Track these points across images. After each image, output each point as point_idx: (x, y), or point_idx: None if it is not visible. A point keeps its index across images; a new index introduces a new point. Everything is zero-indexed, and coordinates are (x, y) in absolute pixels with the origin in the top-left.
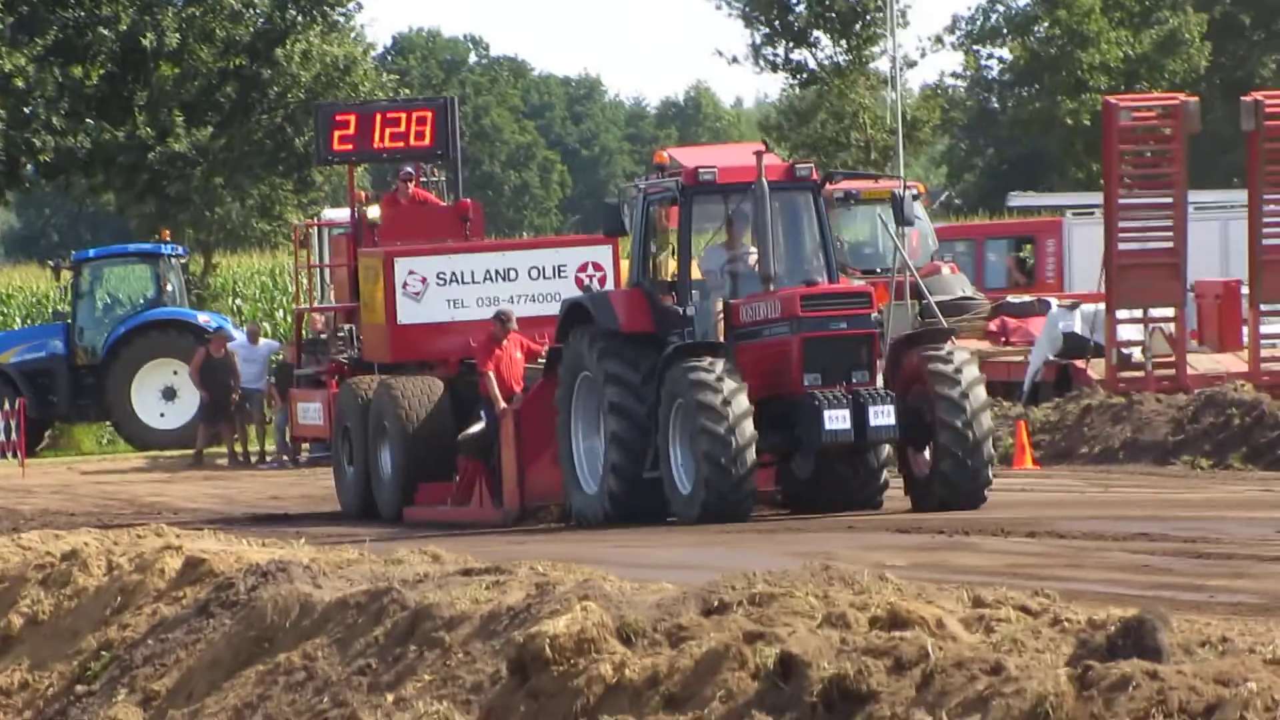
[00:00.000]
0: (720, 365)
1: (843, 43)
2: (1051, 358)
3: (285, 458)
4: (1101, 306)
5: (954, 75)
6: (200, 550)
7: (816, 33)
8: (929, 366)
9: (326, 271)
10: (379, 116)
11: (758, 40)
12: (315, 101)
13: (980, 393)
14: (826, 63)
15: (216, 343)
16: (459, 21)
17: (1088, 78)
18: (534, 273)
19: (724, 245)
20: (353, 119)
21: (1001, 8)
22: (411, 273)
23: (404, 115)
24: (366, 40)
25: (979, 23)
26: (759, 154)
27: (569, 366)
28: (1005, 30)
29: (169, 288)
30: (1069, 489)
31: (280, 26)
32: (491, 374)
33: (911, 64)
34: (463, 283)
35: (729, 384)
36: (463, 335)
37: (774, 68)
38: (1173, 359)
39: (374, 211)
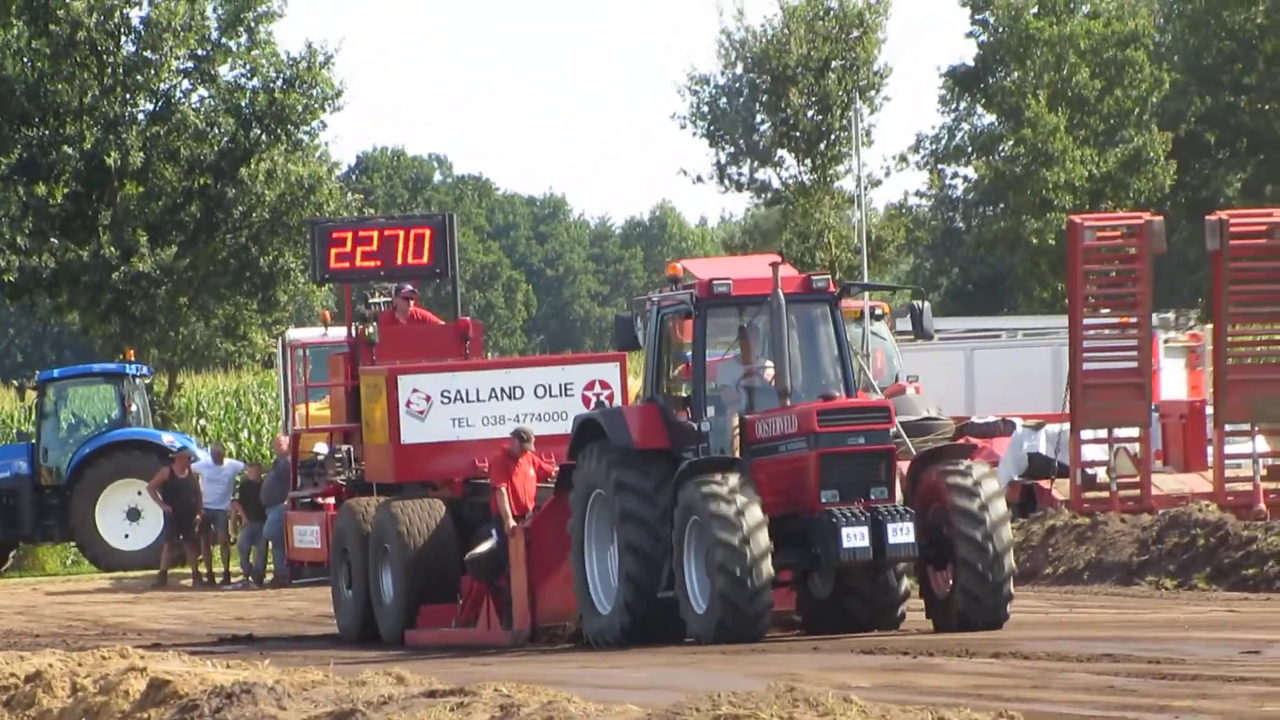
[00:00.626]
0: (735, 480)
1: (807, 162)
2: (1016, 478)
3: (249, 579)
4: (1066, 426)
5: (918, 194)
6: (164, 671)
7: (781, 152)
8: (948, 481)
9: (295, 393)
10: (377, 234)
11: (722, 159)
12: (311, 219)
13: (1000, 507)
14: (791, 182)
15: (180, 462)
16: (423, 141)
17: (1052, 197)
18: (540, 391)
19: (739, 359)
20: (350, 236)
21: (966, 127)
22: (415, 391)
23: (402, 232)
24: (331, 159)
25: (943, 142)
26: (775, 265)
27: (581, 484)
28: (969, 149)
29: (133, 408)
30: (1033, 609)
31: (244, 145)
32: (504, 491)
33: (876, 183)
34: (467, 401)
35: (743, 499)
36: (468, 455)
37: (739, 187)
38: (1137, 479)
39: (372, 330)
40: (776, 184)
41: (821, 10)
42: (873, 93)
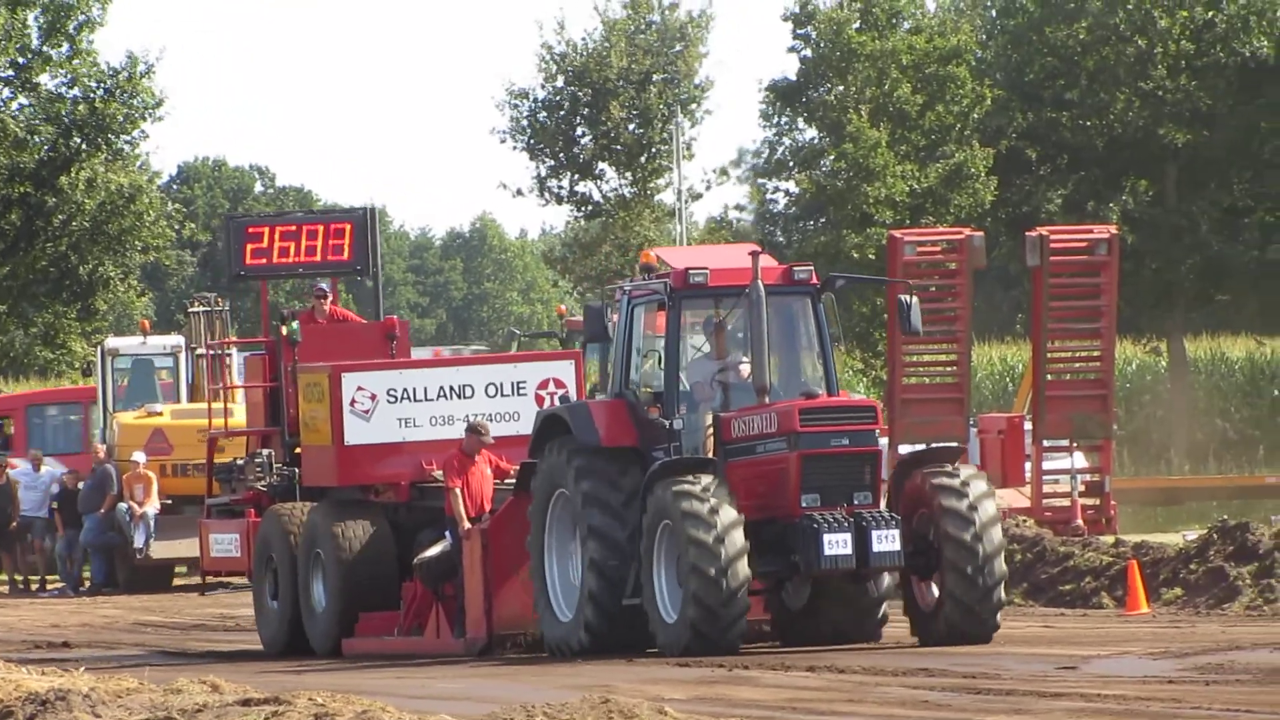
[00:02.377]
0: (710, 484)
1: (628, 175)
2: None
3: (66, 586)
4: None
5: (739, 208)
6: None
7: (602, 165)
8: (934, 483)
9: (110, 398)
10: (295, 229)
11: (543, 172)
12: (228, 213)
13: (990, 508)
14: (612, 195)
15: None
16: (245, 151)
17: (873, 212)
18: (491, 390)
19: (714, 353)
20: (267, 232)
21: (787, 141)
22: (360, 389)
23: (321, 228)
24: (152, 169)
25: (764, 156)
26: (755, 255)
27: (544, 483)
28: (791, 163)
29: None
30: None
31: (65, 154)
32: (459, 491)
33: (697, 196)
34: (415, 400)
35: (720, 504)
36: (414, 456)
37: (559, 200)
38: None
39: (294, 328)
40: (597, 197)
41: (643, 24)
42: (694, 106)
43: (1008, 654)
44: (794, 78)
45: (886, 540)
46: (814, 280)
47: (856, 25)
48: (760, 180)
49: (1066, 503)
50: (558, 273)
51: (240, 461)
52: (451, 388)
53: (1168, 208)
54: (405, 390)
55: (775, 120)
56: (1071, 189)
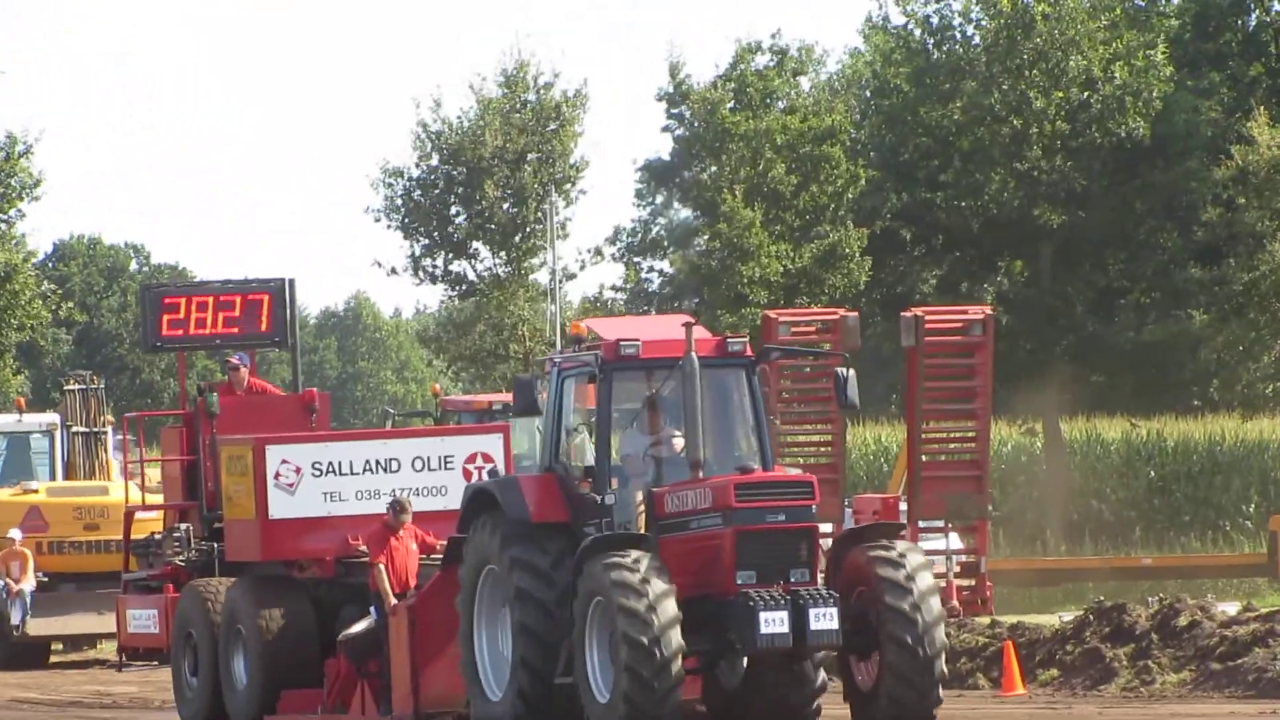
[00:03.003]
0: (645, 562)
1: (502, 254)
2: None
3: None
4: None
5: (614, 288)
6: None
7: (476, 244)
8: (877, 571)
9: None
10: (211, 300)
11: (417, 251)
12: (144, 283)
13: (927, 579)
14: (486, 274)
15: None
16: (120, 229)
17: (747, 291)
18: (418, 464)
19: (647, 427)
20: (183, 302)
21: (662, 220)
22: (284, 462)
23: (239, 299)
24: (27, 248)
25: (639, 235)
26: (688, 326)
27: (472, 559)
28: (666, 243)
29: None
30: None
31: None
32: (383, 567)
33: (571, 276)
34: (340, 474)
35: (655, 585)
36: (340, 531)
37: (433, 279)
38: None
39: (212, 400)
40: (471, 276)
41: (518, 103)
42: (569, 185)
43: None
44: (668, 157)
45: (825, 619)
46: (749, 352)
47: (730, 105)
48: (635, 259)
49: (942, 584)
50: (432, 352)
51: (158, 536)
52: (378, 461)
53: (1042, 288)
54: (330, 464)
55: (650, 200)
56: (946, 269)
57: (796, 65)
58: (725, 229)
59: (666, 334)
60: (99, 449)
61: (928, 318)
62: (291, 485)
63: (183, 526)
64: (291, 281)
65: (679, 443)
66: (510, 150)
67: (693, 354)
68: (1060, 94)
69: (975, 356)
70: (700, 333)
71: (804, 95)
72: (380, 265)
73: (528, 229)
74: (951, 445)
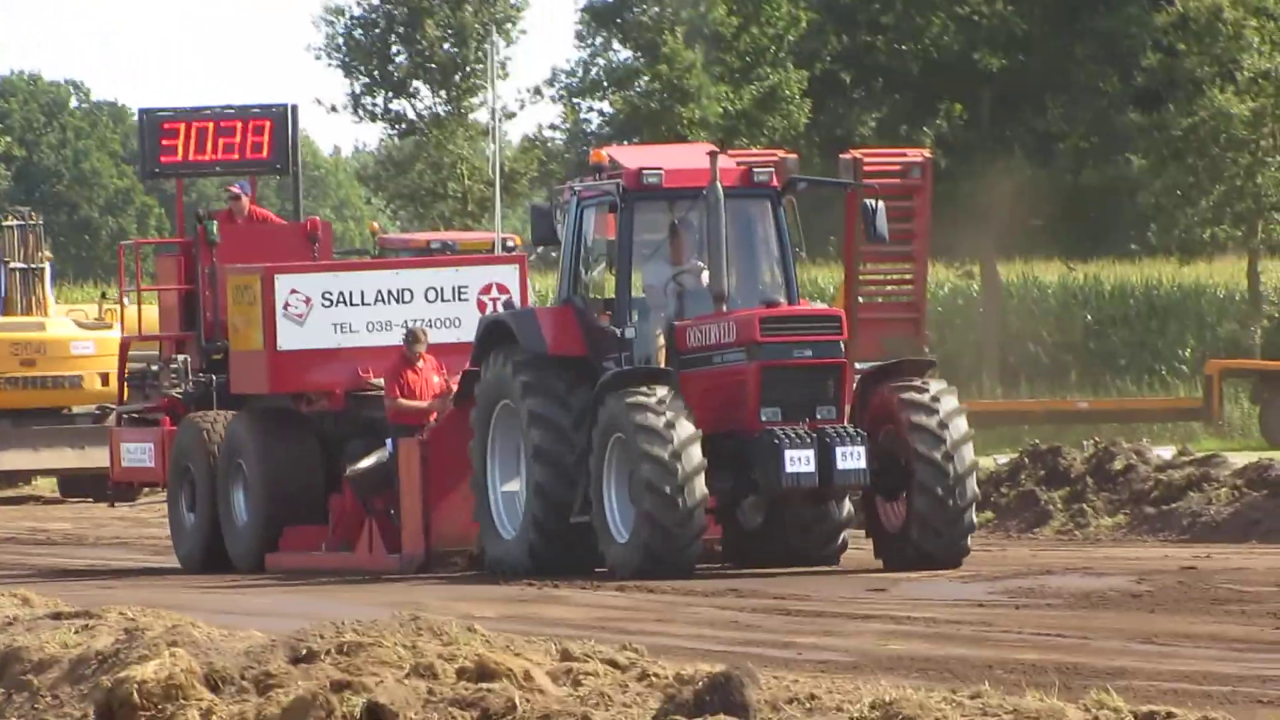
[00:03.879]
0: (665, 395)
1: (442, 94)
2: None
3: None
4: None
5: (553, 127)
6: None
7: (416, 83)
8: (902, 397)
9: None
10: (212, 125)
11: (357, 89)
12: (142, 107)
13: (961, 425)
14: (426, 113)
15: None
16: (59, 66)
17: (687, 133)
18: (431, 294)
19: (668, 258)
20: (182, 128)
21: (602, 61)
22: (294, 292)
23: (239, 124)
24: None
25: (579, 76)
26: (713, 155)
27: (486, 393)
28: (605, 84)
29: None
30: None
31: None
32: (402, 400)
33: (510, 116)
34: (350, 304)
35: (675, 416)
36: (350, 363)
37: (373, 118)
38: None
39: (214, 228)
40: (411, 115)
41: None
42: (509, 25)
43: (820, 575)
44: None
45: (852, 458)
46: (775, 182)
47: None
48: (575, 100)
49: None
50: (370, 190)
51: (154, 368)
52: (390, 292)
53: (982, 132)
54: (341, 294)
55: (590, 41)
56: (886, 112)
57: None
58: (665, 70)
59: (690, 163)
60: (37, 285)
61: (866, 160)
62: (301, 316)
63: (180, 358)
64: (294, 108)
65: (704, 274)
66: None
67: (717, 184)
68: None
69: (914, 199)
70: (725, 162)
71: None
72: (320, 103)
73: (468, 68)
74: (889, 287)
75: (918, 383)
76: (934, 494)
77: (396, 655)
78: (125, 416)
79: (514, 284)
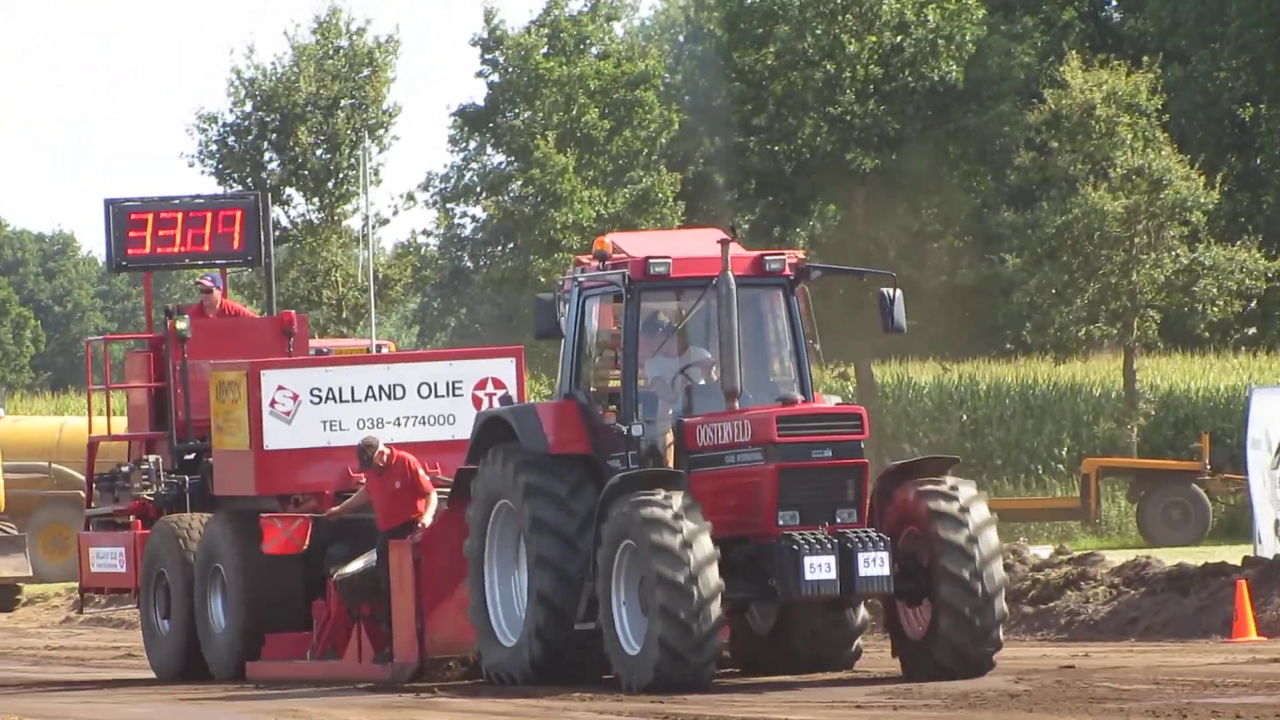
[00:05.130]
0: (678, 501)
1: (315, 200)
2: None
3: None
4: None
5: (426, 233)
6: None
7: (289, 191)
8: (929, 505)
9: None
10: (181, 216)
11: None
12: (110, 199)
13: (991, 537)
14: (299, 220)
15: None
16: None
17: (560, 237)
18: (424, 390)
19: (677, 351)
20: (150, 218)
21: (476, 165)
22: (281, 389)
23: (209, 215)
24: None
25: (453, 181)
26: (724, 243)
27: (484, 492)
28: (479, 188)
29: None
30: None
31: None
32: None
33: (384, 222)
34: (340, 401)
35: (693, 534)
36: (340, 463)
37: None
38: None
39: (184, 324)
40: (285, 223)
41: (331, 49)
42: (382, 132)
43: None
44: (482, 103)
45: (875, 564)
46: (788, 271)
47: (544, 51)
48: (448, 205)
49: None
50: (244, 298)
51: (125, 469)
52: (381, 388)
53: (856, 232)
54: (330, 390)
55: (464, 145)
56: (759, 213)
57: (610, 10)
58: (538, 175)
59: (699, 251)
60: None
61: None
62: (288, 413)
63: (151, 459)
64: (265, 196)
65: (714, 368)
66: (324, 96)
67: (729, 273)
68: (873, 38)
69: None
70: (736, 250)
71: (618, 40)
72: None
73: (341, 175)
74: None
75: (945, 487)
76: (960, 614)
77: None
78: (94, 520)
79: (510, 378)
